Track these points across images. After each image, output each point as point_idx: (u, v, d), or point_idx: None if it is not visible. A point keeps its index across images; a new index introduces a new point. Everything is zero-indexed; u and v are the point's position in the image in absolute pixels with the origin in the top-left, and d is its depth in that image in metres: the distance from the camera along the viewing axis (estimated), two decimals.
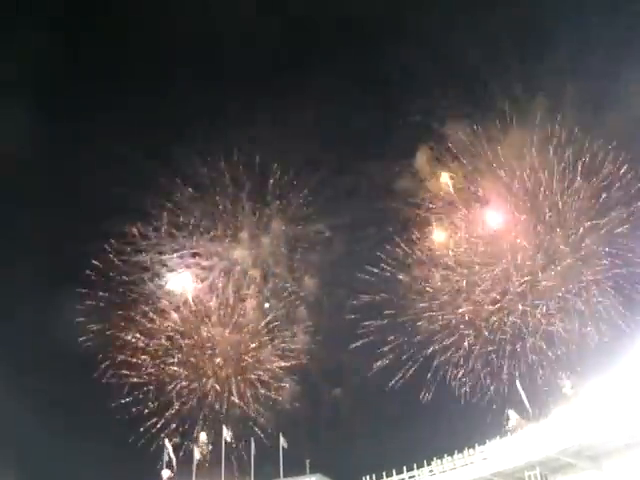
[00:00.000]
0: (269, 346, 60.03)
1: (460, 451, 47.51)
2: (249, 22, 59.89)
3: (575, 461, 42.01)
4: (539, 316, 54.43)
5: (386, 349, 56.94)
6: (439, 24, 55.52)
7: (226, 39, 59.84)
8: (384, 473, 51.47)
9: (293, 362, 59.24)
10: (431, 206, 56.62)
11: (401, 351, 57.03)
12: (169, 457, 56.03)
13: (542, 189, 55.34)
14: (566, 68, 52.76)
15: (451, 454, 47.97)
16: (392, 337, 56.78)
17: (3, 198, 58.13)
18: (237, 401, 59.08)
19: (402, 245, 57.17)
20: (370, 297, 57.90)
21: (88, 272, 58.11)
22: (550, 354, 54.43)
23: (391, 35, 58.23)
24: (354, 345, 57.63)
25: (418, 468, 49.41)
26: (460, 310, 56.22)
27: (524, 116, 54.80)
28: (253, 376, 59.36)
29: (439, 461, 48.54)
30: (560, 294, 55.00)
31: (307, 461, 55.08)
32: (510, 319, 55.68)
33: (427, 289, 56.97)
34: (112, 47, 61.69)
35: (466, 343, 56.32)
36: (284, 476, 55.32)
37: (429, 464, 48.93)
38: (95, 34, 62.77)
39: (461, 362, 56.23)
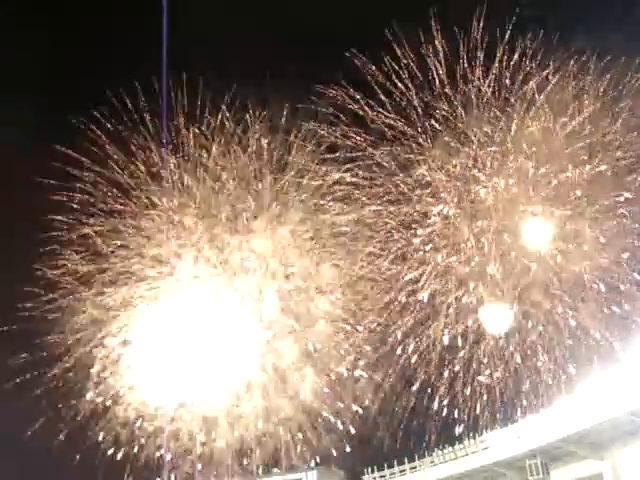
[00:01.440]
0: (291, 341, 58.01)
1: (461, 441, 46.83)
2: None
3: (576, 449, 41.46)
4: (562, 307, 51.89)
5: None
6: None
7: None
8: (385, 464, 50.83)
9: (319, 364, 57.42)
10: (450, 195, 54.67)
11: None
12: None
13: (565, 175, 52.63)
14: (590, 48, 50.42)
15: (452, 444, 47.30)
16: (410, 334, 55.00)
17: None
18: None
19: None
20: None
21: None
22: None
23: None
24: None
25: (419, 459, 48.77)
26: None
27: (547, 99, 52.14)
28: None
29: (440, 451, 47.92)
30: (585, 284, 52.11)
31: (309, 453, 54.45)
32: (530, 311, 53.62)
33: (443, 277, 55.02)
34: None
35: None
36: (286, 469, 54.82)
37: (430, 455, 48.28)
38: None
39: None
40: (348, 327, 55.17)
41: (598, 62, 48.23)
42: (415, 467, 49.25)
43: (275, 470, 55.77)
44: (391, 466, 50.86)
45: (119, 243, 54.55)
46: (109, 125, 52.83)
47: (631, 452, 39.71)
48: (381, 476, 51.36)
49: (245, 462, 54.84)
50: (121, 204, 54.47)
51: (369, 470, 52.33)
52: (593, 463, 41.20)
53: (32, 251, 52.72)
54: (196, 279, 56.08)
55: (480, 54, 51.27)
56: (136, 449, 52.98)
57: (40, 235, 52.36)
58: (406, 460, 49.78)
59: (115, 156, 54.08)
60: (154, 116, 53.42)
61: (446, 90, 52.06)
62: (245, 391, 55.74)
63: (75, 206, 54.02)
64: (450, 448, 47.65)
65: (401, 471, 50.15)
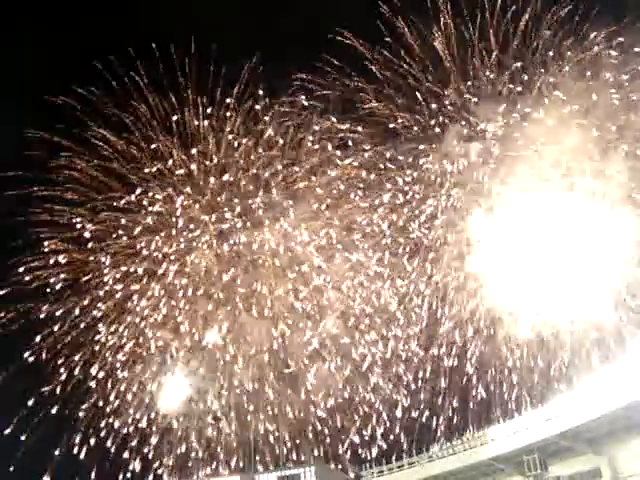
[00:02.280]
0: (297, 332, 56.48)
1: (459, 436, 46.92)
2: None
3: (574, 445, 41.42)
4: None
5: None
6: None
7: None
8: (384, 460, 50.98)
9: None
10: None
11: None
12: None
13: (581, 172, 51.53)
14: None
15: (450, 440, 47.37)
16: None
17: None
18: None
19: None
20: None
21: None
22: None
23: None
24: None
25: (417, 454, 48.77)
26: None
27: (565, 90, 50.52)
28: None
29: (438, 447, 47.97)
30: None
31: (307, 450, 54.57)
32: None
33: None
34: None
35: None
36: (284, 466, 54.82)
37: (428, 450, 48.33)
38: None
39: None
40: (361, 326, 55.29)
41: (617, 54, 48.09)
42: (413, 463, 49.30)
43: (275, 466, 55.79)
44: (389, 462, 50.90)
45: (124, 242, 53.97)
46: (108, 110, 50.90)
47: (628, 447, 39.63)
48: (379, 472, 51.42)
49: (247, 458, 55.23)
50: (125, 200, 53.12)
51: (367, 466, 52.44)
52: (591, 458, 41.11)
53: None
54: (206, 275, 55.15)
55: (495, 50, 51.37)
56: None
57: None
58: (404, 456, 49.82)
59: (120, 148, 52.84)
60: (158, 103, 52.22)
61: (457, 83, 52.18)
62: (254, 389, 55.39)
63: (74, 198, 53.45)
64: (448, 444, 47.83)
65: (399, 467, 50.20)
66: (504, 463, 44.40)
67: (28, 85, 50.78)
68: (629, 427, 39.15)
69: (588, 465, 41.50)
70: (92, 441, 51.61)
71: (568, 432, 40.78)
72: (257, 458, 55.27)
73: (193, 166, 54.11)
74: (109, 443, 52.17)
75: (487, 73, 51.73)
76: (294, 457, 55.01)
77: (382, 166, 53.99)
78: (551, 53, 50.59)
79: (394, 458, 50.84)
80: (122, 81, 50.06)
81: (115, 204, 53.42)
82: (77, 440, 51.31)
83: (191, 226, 54.79)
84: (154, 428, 53.82)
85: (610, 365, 43.29)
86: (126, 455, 52.56)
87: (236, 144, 54.34)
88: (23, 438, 49.37)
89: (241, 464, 55.91)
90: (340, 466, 55.05)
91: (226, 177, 54.37)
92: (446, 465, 47.16)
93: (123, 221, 53.71)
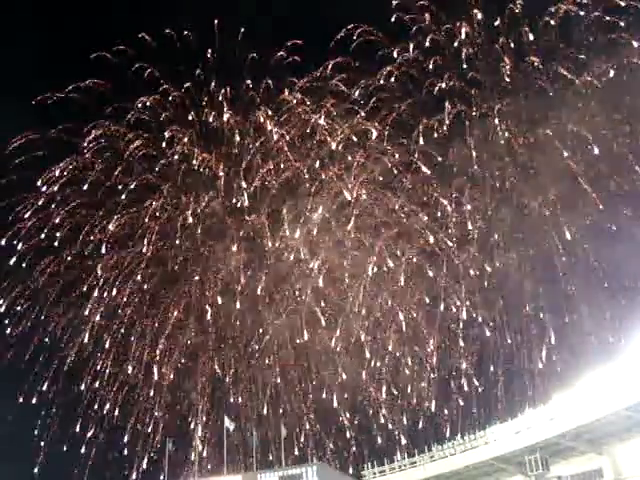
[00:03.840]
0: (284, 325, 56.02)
1: (461, 436, 46.85)
2: None
3: (575, 445, 41.43)
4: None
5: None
6: None
7: None
8: (385, 460, 50.89)
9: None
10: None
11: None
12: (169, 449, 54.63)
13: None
14: None
15: (452, 439, 47.34)
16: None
17: None
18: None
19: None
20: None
21: None
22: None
23: None
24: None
25: (419, 454, 48.77)
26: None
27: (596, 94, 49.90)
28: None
29: (440, 446, 47.96)
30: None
31: (308, 449, 54.63)
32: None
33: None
34: None
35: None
36: (285, 465, 54.61)
37: (430, 450, 48.29)
38: None
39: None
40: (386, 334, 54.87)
41: None
42: (415, 462, 49.29)
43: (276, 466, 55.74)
44: (391, 462, 50.88)
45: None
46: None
47: (630, 447, 39.68)
48: (381, 471, 51.42)
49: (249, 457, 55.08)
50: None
51: (369, 466, 52.40)
52: (592, 458, 41.18)
53: None
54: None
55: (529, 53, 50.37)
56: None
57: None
58: (406, 455, 49.88)
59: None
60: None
61: (485, 84, 51.89)
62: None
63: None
64: (450, 443, 47.74)
65: (400, 467, 50.20)
66: (506, 463, 44.43)
67: (34, 80, 49.50)
68: (631, 427, 39.25)
69: (590, 465, 41.58)
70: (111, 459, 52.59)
71: (570, 432, 40.79)
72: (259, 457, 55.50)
73: (216, 168, 53.52)
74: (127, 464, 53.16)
75: (517, 75, 51.37)
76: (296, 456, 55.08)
77: (409, 170, 53.56)
78: (584, 56, 49.94)
79: (395, 457, 50.76)
80: (135, 72, 49.05)
81: (136, 208, 52.92)
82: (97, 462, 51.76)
83: (215, 230, 54.51)
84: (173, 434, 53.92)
85: (612, 364, 43.12)
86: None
87: (261, 145, 53.69)
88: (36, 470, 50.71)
89: (243, 463, 56.26)
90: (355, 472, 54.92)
91: (252, 180, 53.83)
92: (447, 465, 47.10)
93: (144, 226, 53.28)
